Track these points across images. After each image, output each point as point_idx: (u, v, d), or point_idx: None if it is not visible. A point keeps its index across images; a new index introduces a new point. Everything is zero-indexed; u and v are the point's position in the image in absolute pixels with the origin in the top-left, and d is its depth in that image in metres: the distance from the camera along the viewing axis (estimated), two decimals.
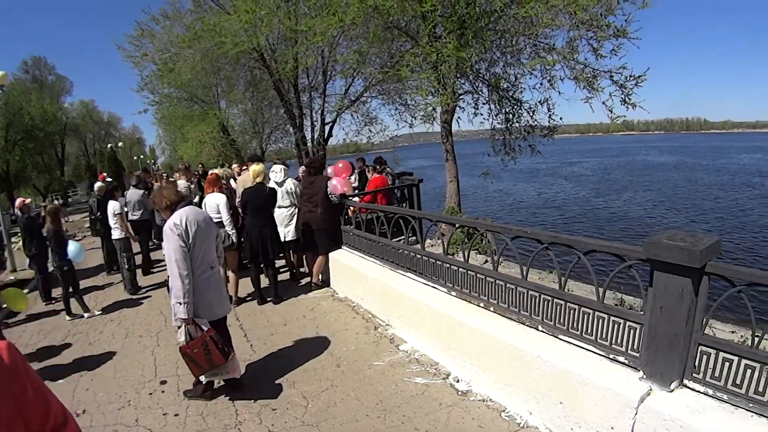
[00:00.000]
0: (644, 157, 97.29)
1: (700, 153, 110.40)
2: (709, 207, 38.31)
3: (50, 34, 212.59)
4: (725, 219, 33.17)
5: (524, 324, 5.21)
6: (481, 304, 5.83)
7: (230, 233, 9.33)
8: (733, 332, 9.36)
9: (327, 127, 22.41)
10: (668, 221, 32.78)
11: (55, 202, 35.98)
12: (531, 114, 15.38)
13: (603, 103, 13.03)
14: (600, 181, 59.27)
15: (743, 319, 8.81)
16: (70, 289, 10.52)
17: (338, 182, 10.45)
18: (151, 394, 6.38)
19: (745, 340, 6.86)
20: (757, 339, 3.62)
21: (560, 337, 4.82)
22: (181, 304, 5.34)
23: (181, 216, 5.47)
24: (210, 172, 10.94)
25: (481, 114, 15.86)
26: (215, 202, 9.41)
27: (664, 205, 39.16)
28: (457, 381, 5.71)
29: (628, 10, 12.04)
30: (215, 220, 9.11)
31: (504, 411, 5.08)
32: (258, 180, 9.45)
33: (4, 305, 9.18)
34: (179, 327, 5.52)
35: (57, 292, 11.78)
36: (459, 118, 15.64)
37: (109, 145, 63.96)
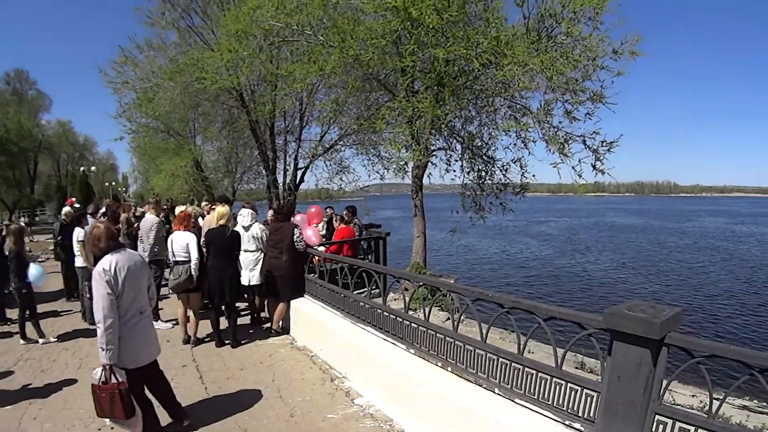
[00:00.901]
0: (612, 219, 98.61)
1: (668, 216, 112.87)
2: (672, 269, 39.32)
3: (34, 49, 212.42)
4: (687, 281, 34.02)
5: (481, 386, 5.23)
6: (440, 363, 5.85)
7: (193, 271, 9.32)
8: (693, 396, 9.51)
9: (299, 172, 22.54)
10: (631, 284, 33.36)
11: (21, 220, 35.67)
12: (504, 172, 15.50)
13: (572, 167, 13.21)
14: (566, 241, 60.13)
15: (704, 383, 8.98)
16: (27, 313, 10.39)
17: (312, 233, 10.51)
18: (99, 429, 6.30)
19: (704, 406, 6.96)
20: (715, 406, 3.68)
21: (516, 400, 4.85)
22: (104, 350, 5.27)
23: (111, 261, 5.42)
24: (180, 209, 10.93)
25: (453, 170, 15.98)
26: (185, 241, 9.41)
27: (627, 267, 39.84)
28: None
29: (603, 77, 12.35)
30: (182, 259, 9.11)
31: None
32: (221, 222, 9.52)
33: None
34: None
35: (12, 313, 11.60)
36: (430, 173, 15.80)
37: (82, 168, 63.85)
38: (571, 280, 34.27)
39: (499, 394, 5.04)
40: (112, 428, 6.17)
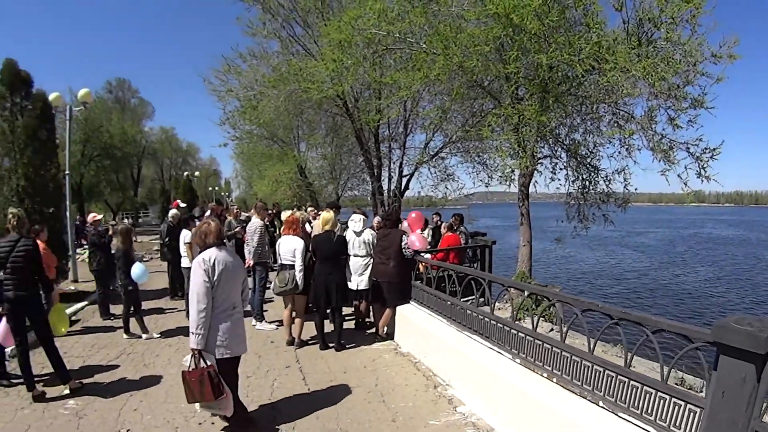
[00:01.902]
0: (710, 230, 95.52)
1: (766, 227, 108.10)
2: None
3: (136, 59, 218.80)
4: None
5: (586, 398, 5.14)
6: (545, 374, 5.75)
7: (297, 278, 9.40)
8: None
9: (404, 179, 22.42)
10: (726, 299, 32.17)
11: (125, 221, 36.78)
12: (607, 182, 15.25)
13: (678, 175, 12.91)
14: (663, 253, 58.29)
15: None
16: (132, 309, 10.76)
17: (417, 239, 10.50)
18: (200, 423, 6.48)
19: None
20: None
21: (620, 414, 4.76)
22: (194, 334, 5.69)
23: (211, 254, 5.87)
24: (290, 214, 11.07)
25: (558, 179, 15.70)
26: (292, 246, 9.52)
27: (722, 281, 38.35)
28: None
29: (703, 83, 12.02)
30: (288, 263, 9.27)
31: None
32: (326, 228, 9.62)
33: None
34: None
35: (116, 309, 12.02)
36: (536, 181, 15.56)
37: (185, 173, 65.08)
38: (665, 294, 33.28)
39: (603, 408, 4.96)
40: (213, 423, 6.40)
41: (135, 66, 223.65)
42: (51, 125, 14.67)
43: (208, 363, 5.82)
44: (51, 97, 15.52)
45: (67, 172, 16.73)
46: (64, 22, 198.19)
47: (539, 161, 14.73)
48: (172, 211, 15.69)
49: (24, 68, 14.37)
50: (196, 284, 5.72)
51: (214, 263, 5.79)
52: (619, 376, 4.82)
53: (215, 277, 5.78)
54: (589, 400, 5.11)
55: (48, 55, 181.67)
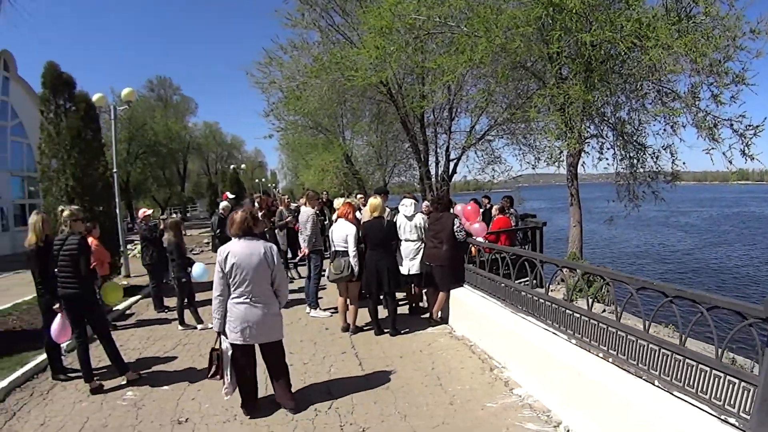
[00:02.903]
0: (754, 209, 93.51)
1: None
2: None
3: (176, 59, 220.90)
4: None
5: (641, 377, 5.10)
6: (600, 355, 5.72)
7: (352, 264, 9.42)
8: None
9: (452, 164, 22.38)
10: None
11: (174, 215, 37.29)
12: (654, 159, 15.07)
13: (723, 154, 12.72)
14: (708, 232, 57.24)
15: None
16: (186, 300, 10.91)
17: (480, 226, 10.49)
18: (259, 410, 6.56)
19: None
20: None
21: (675, 393, 4.72)
22: (214, 318, 6.31)
23: (226, 247, 6.25)
24: (339, 201, 11.09)
25: (606, 158, 15.60)
26: (345, 232, 9.53)
27: (766, 260, 37.66)
28: (568, 431, 5.60)
29: (744, 58, 11.86)
30: (341, 249, 9.38)
31: None
32: (375, 213, 9.60)
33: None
34: None
35: (170, 302, 12.29)
36: (583, 162, 15.38)
37: (232, 166, 65.57)
38: (709, 274, 32.80)
39: (658, 387, 4.91)
40: (270, 410, 6.53)
41: (175, 65, 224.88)
42: (96, 125, 14.88)
43: (219, 346, 6.41)
44: (94, 97, 15.74)
45: (114, 170, 16.97)
46: (100, 22, 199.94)
47: (586, 141, 14.57)
48: (223, 203, 16.03)
49: (65, 71, 14.55)
50: (214, 274, 6.26)
51: (226, 255, 6.12)
52: (674, 355, 4.76)
53: (227, 268, 6.10)
54: (644, 379, 5.07)
55: (86, 59, 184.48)
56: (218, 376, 6.44)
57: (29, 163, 31.56)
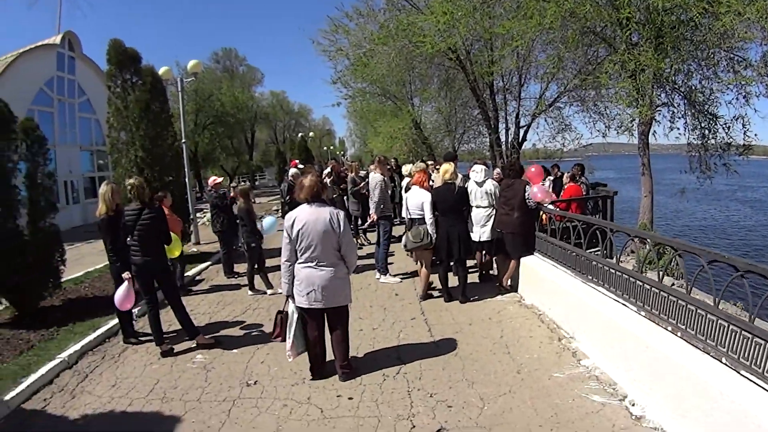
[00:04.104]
0: None
1: None
2: None
3: (242, 30, 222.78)
4: None
5: (709, 354, 4.97)
6: (669, 328, 5.61)
7: (430, 232, 9.46)
8: None
9: (521, 131, 22.23)
10: None
11: (242, 183, 37.71)
12: (726, 130, 14.76)
13: None
14: None
15: None
16: (256, 266, 11.06)
17: (539, 190, 10.38)
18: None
19: None
20: None
21: (742, 372, 4.58)
22: (283, 282, 6.50)
23: (293, 213, 6.32)
24: (416, 167, 11.07)
25: (677, 128, 15.31)
26: (420, 200, 9.55)
27: None
28: (633, 405, 5.54)
29: None
30: (416, 216, 9.48)
31: None
32: (446, 179, 9.50)
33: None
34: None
35: (240, 268, 12.54)
36: (654, 131, 15.10)
37: (300, 134, 65.85)
38: None
39: (725, 364, 4.77)
40: (339, 375, 6.63)
41: (240, 35, 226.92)
42: (163, 97, 15.01)
43: (284, 309, 6.63)
44: (161, 71, 15.98)
45: (183, 140, 17.22)
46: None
47: (657, 109, 14.31)
48: (292, 170, 16.34)
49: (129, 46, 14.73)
50: (282, 240, 6.37)
51: (293, 221, 6.20)
52: (743, 332, 4.61)
53: (294, 234, 6.19)
54: (712, 356, 4.95)
55: (150, 34, 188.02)
56: (280, 338, 6.63)
57: (98, 137, 32.78)
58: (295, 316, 6.39)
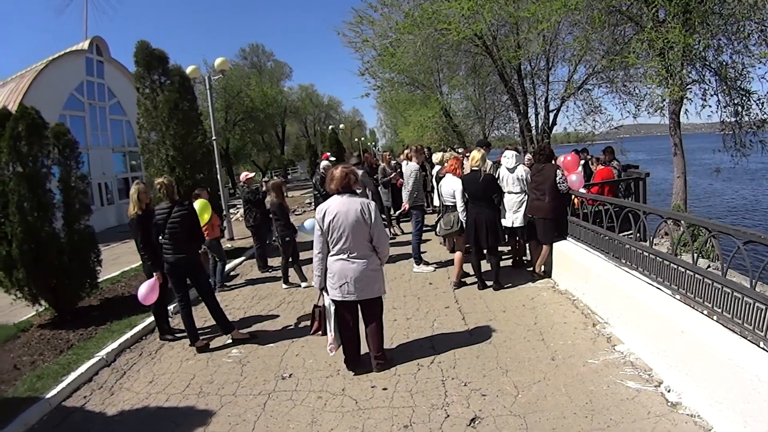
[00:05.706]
0: None
1: None
2: None
3: (268, 25, 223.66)
4: None
5: (746, 338, 4.86)
6: (705, 312, 5.54)
7: (461, 218, 9.52)
8: None
9: (551, 115, 22.06)
10: None
11: (275, 177, 37.99)
12: (760, 106, 14.46)
13: None
14: None
15: None
16: (290, 259, 11.14)
17: (577, 178, 10.28)
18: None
19: None
20: None
21: None
22: (315, 275, 6.45)
23: (324, 204, 6.32)
24: (453, 156, 11.10)
25: (709, 106, 14.90)
26: (452, 187, 9.62)
27: None
28: (669, 391, 5.48)
29: None
30: (449, 204, 9.57)
31: (710, 431, 4.80)
32: (474, 166, 9.46)
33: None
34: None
35: (274, 262, 12.70)
36: (686, 110, 14.84)
37: (330, 127, 66.07)
38: None
39: (763, 349, 4.66)
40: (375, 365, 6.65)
41: (267, 30, 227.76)
42: (191, 96, 15.15)
43: (320, 303, 6.69)
44: (188, 70, 16.26)
45: (213, 137, 17.35)
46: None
47: (688, 87, 14.10)
48: (324, 163, 16.29)
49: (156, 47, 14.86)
50: (314, 232, 6.36)
51: (324, 213, 6.19)
52: None
53: (325, 226, 6.17)
54: (749, 340, 4.84)
55: (177, 34, 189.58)
56: (320, 333, 6.67)
57: (129, 139, 33.47)
58: (333, 308, 6.40)
